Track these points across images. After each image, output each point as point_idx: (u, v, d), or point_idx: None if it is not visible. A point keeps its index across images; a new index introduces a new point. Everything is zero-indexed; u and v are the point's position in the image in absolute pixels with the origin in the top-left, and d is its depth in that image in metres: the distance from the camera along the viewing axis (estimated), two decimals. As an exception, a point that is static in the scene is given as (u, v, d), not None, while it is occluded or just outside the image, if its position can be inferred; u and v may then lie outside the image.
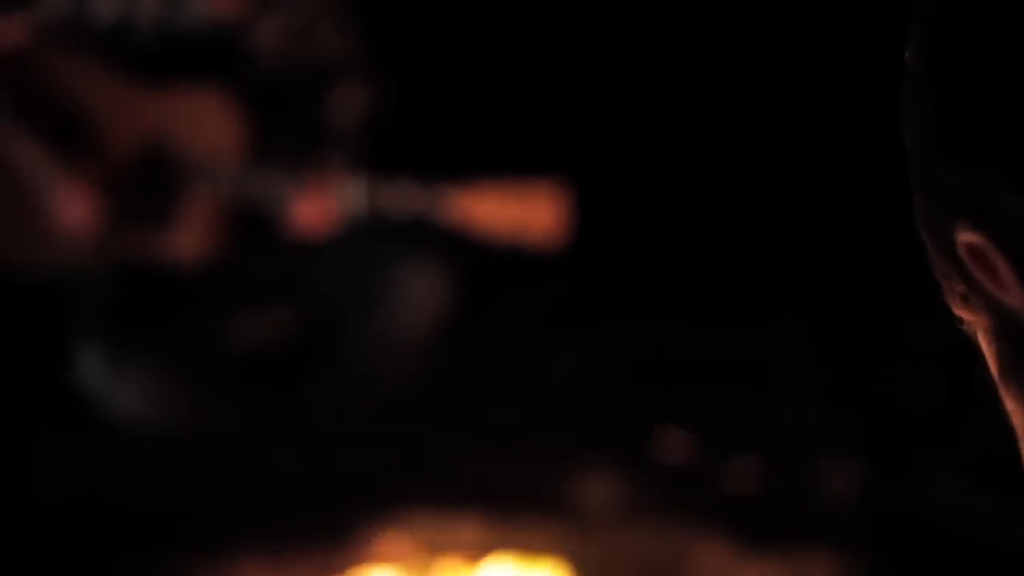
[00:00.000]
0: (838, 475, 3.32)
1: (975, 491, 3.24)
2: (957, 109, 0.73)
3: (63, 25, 3.24)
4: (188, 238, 3.23)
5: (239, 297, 3.36)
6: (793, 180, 4.15)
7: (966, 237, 0.74)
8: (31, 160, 3.18)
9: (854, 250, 3.94)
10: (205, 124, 3.20)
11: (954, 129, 0.74)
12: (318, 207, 3.14)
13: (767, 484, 3.34)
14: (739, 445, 3.45)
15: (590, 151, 4.09)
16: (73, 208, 3.18)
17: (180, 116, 3.21)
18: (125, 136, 3.24)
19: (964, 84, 0.73)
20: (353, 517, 3.11)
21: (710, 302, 3.99)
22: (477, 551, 3.03)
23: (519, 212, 2.97)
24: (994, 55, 0.72)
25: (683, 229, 4.20)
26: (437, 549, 3.04)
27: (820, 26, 4.16)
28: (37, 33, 3.24)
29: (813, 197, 4.08)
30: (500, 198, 2.99)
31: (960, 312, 0.78)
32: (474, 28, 4.33)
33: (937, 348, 3.28)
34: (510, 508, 3.16)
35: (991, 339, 0.77)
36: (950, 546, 3.18)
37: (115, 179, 3.24)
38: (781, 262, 4.06)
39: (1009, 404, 0.78)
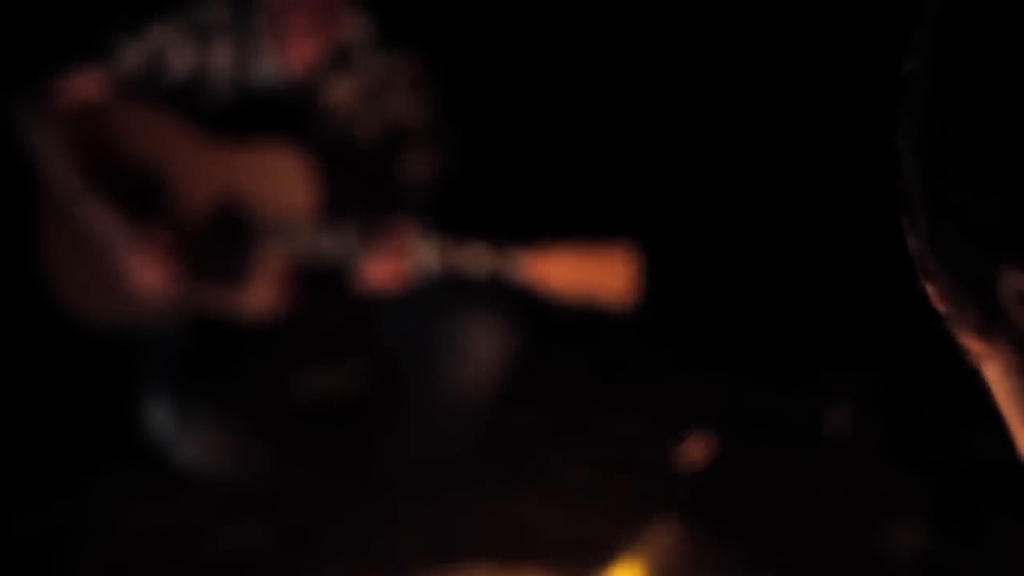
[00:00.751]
0: (904, 536, 3.30)
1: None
2: (988, 133, 0.61)
3: (138, 81, 3.27)
4: (260, 294, 3.24)
5: (308, 351, 3.37)
6: (856, 241, 4.14)
7: (1020, 279, 0.65)
8: (105, 227, 3.21)
9: (922, 307, 3.92)
10: (278, 181, 3.22)
11: (987, 157, 0.62)
12: (389, 268, 3.14)
13: (833, 545, 3.32)
14: (803, 504, 3.43)
15: (659, 214, 4.09)
16: (147, 274, 3.20)
17: (253, 173, 3.23)
18: (199, 192, 3.26)
19: (996, 102, 0.60)
20: (412, 570, 3.11)
21: (774, 360, 3.98)
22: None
23: (590, 274, 2.95)
24: None
25: (747, 288, 4.20)
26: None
27: (868, 86, 4.15)
28: (113, 88, 3.27)
29: (876, 255, 4.06)
30: (571, 260, 2.98)
31: (970, 342, 0.72)
32: (547, 92, 4.35)
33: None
34: (572, 562, 3.15)
35: (1014, 374, 0.70)
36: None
37: (188, 236, 3.26)
38: (847, 319, 4.05)
39: (1022, 440, 0.72)
